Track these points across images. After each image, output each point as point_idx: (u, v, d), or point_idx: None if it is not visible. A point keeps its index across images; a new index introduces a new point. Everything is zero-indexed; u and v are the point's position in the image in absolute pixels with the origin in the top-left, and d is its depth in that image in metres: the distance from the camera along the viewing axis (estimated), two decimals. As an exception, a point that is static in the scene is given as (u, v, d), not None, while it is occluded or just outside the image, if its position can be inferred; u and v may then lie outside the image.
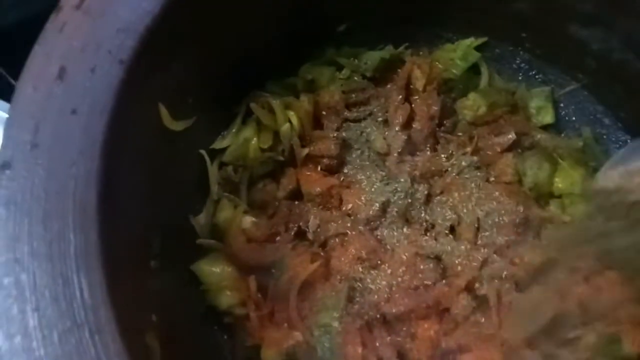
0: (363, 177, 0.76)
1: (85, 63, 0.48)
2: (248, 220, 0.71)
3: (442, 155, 0.77)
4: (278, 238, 0.72)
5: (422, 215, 0.73)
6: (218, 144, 0.74)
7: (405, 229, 0.73)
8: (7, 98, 0.71)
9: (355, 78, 0.80)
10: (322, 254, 0.71)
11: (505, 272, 0.68)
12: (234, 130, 0.75)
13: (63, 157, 0.44)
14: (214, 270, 0.68)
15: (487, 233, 0.71)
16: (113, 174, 0.47)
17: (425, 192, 0.74)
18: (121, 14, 0.51)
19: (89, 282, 0.39)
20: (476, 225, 0.72)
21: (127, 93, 0.50)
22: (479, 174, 0.75)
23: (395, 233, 0.72)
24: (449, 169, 0.76)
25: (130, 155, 0.52)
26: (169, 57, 0.58)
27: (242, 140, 0.74)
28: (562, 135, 0.81)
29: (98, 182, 0.44)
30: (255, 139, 0.74)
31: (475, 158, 0.76)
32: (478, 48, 0.82)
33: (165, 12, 0.53)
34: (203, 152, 0.72)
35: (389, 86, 0.80)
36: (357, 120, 0.79)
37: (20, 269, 0.39)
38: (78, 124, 0.45)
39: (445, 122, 0.79)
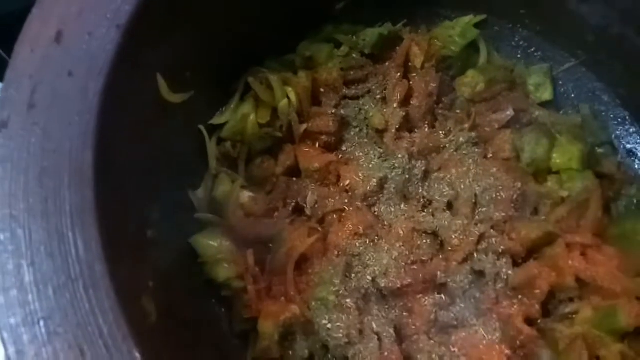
0: (361, 153, 0.76)
1: (83, 26, 0.48)
2: (246, 195, 0.72)
3: (440, 132, 0.78)
4: (276, 213, 0.72)
5: (420, 191, 0.74)
6: (217, 120, 0.74)
7: (402, 205, 0.73)
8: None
9: (354, 55, 0.80)
10: (319, 229, 0.71)
11: (502, 247, 0.68)
12: (232, 106, 0.75)
13: (60, 117, 0.44)
14: (212, 244, 0.68)
15: (484, 209, 0.71)
16: (109, 136, 0.47)
17: (423, 169, 0.74)
18: (119, -20, 0.51)
19: (84, 238, 0.40)
20: (473, 200, 0.72)
21: (124, 58, 0.50)
22: (476, 150, 0.75)
23: (393, 209, 0.73)
24: (447, 145, 0.76)
25: (127, 121, 0.52)
26: (168, 27, 0.58)
27: (240, 116, 0.74)
28: (561, 112, 0.81)
29: (94, 142, 0.44)
30: (253, 114, 0.75)
31: (473, 134, 0.76)
32: (477, 25, 0.82)
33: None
34: (201, 127, 0.73)
35: (387, 64, 0.80)
36: (355, 98, 0.79)
37: (16, 225, 0.39)
38: (75, 86, 0.46)
39: (443, 99, 0.79)
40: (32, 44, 0.47)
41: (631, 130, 0.79)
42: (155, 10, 0.52)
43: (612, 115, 0.80)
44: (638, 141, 0.78)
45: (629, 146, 0.78)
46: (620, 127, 0.79)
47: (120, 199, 0.48)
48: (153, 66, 0.58)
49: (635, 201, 0.74)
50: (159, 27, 0.56)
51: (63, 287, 0.38)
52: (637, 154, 0.78)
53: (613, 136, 0.79)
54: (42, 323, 0.37)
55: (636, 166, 0.77)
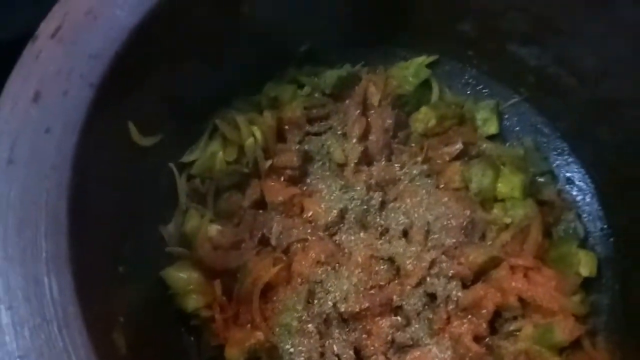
0: (323, 186, 0.81)
1: (59, 86, 0.53)
2: (214, 229, 0.76)
3: (396, 165, 0.83)
4: (243, 245, 0.76)
5: (378, 220, 0.79)
6: (186, 158, 0.79)
7: (361, 234, 0.78)
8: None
9: (316, 95, 0.86)
10: (284, 258, 0.76)
11: (452, 271, 0.74)
12: (201, 145, 0.80)
13: (37, 171, 0.49)
14: (182, 276, 0.72)
15: (436, 235, 0.77)
16: (83, 186, 0.52)
17: (380, 199, 0.79)
18: (92, 42, 0.56)
19: (59, 283, 0.44)
20: (426, 228, 0.77)
21: (97, 113, 0.55)
22: (429, 181, 0.81)
23: (353, 237, 0.77)
24: (402, 177, 0.82)
25: (101, 169, 0.57)
26: (138, 80, 0.63)
27: (209, 154, 0.79)
28: (507, 144, 0.88)
29: (68, 193, 0.49)
30: (221, 152, 0.79)
31: (425, 167, 0.82)
32: (430, 65, 0.89)
33: (134, 39, 0.59)
34: (172, 165, 0.77)
35: (347, 102, 0.86)
36: (318, 134, 0.85)
37: (-4, 273, 0.44)
38: (51, 141, 0.50)
39: (399, 134, 0.85)
40: (12, 103, 0.51)
41: (569, 160, 0.86)
42: (126, 69, 0.57)
43: (552, 147, 0.86)
44: (575, 170, 0.85)
45: (567, 174, 0.85)
46: (560, 157, 0.86)
47: (93, 242, 0.52)
48: (124, 115, 0.62)
49: (573, 225, 0.80)
50: (130, 81, 0.60)
51: (38, 327, 0.42)
52: (574, 182, 0.85)
53: (554, 165, 0.86)
54: (19, 362, 0.41)
55: (574, 193, 0.84)
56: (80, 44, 0.55)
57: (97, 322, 0.46)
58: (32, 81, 0.52)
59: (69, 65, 0.54)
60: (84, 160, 0.52)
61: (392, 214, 0.79)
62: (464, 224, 0.78)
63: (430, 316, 0.73)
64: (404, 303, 0.73)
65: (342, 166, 0.82)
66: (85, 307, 0.45)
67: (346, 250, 0.77)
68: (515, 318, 0.74)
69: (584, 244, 0.80)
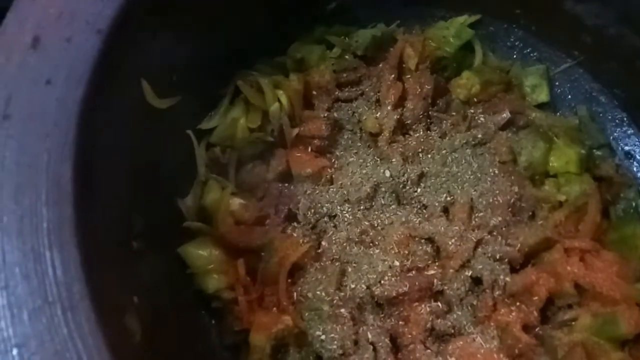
0: (354, 157, 0.75)
1: (61, 32, 0.46)
2: (236, 202, 0.70)
3: (435, 135, 0.76)
4: (267, 221, 0.70)
5: (415, 196, 0.72)
6: (205, 125, 0.73)
7: (397, 211, 0.71)
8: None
9: (347, 57, 0.78)
10: (312, 236, 0.70)
11: (499, 253, 0.67)
12: (221, 110, 0.73)
13: (36, 129, 0.42)
14: (201, 254, 0.66)
15: (481, 214, 0.70)
16: (90, 148, 0.45)
17: (418, 173, 0.72)
18: (99, -18, 0.49)
19: (62, 258, 0.37)
20: (470, 205, 0.71)
21: (106, 65, 0.48)
22: (472, 153, 0.74)
23: (388, 214, 0.71)
24: (442, 148, 0.74)
25: (110, 130, 0.50)
26: (151, 31, 0.56)
27: (230, 121, 0.73)
28: (558, 113, 0.80)
29: (73, 155, 0.42)
30: (243, 119, 0.73)
31: (469, 137, 0.74)
32: (471, 26, 0.81)
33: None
34: (190, 132, 0.71)
35: (380, 65, 0.79)
36: (348, 100, 0.78)
37: (-11, 245, 0.37)
38: (53, 95, 0.44)
39: (438, 101, 0.78)
40: (7, 50, 0.44)
41: (629, 132, 0.78)
42: (137, 14, 0.50)
43: (609, 117, 0.79)
44: (636, 143, 0.77)
45: (627, 148, 0.77)
46: (618, 129, 0.78)
47: (102, 212, 0.46)
48: (137, 71, 0.56)
49: (634, 204, 0.73)
50: (142, 31, 0.53)
51: (39, 311, 0.36)
52: (635, 156, 0.77)
53: (611, 138, 0.78)
54: (15, 351, 0.34)
55: (634, 168, 0.76)
56: (86, -16, 0.47)
57: (108, 304, 0.40)
58: (29, 25, 0.45)
59: (72, 7, 0.47)
60: (91, 119, 0.45)
61: (431, 189, 0.73)
62: (512, 201, 0.71)
63: (475, 302, 0.67)
64: (445, 288, 0.67)
65: (375, 136, 0.76)
66: (93, 287, 0.39)
67: (381, 228, 0.71)
68: (570, 306, 0.67)
69: (646, 225, 0.72)
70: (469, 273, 0.67)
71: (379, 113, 0.76)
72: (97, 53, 0.46)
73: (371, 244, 0.69)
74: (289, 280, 0.67)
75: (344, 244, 0.69)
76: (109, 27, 0.48)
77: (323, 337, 0.63)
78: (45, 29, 0.45)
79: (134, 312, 0.47)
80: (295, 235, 0.69)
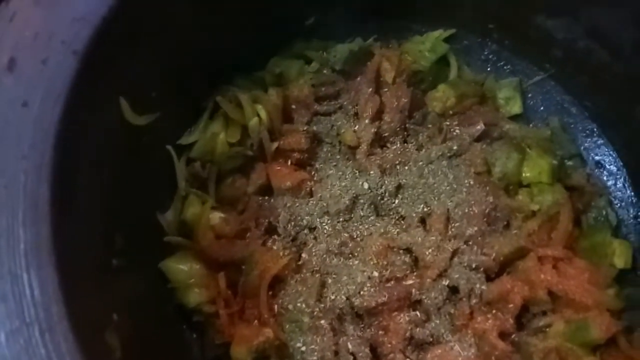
0: (334, 170, 0.76)
1: (37, 53, 0.46)
2: (217, 216, 0.70)
3: (412, 147, 0.77)
4: (248, 234, 0.71)
5: (393, 207, 0.73)
6: (185, 140, 0.73)
7: (376, 222, 0.72)
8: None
9: (325, 71, 0.79)
10: (293, 248, 0.70)
11: (475, 263, 0.69)
12: (201, 125, 0.74)
13: (13, 150, 0.42)
14: (182, 268, 0.67)
15: (457, 224, 0.72)
16: (68, 168, 0.45)
17: (396, 184, 0.73)
18: (76, 3, 0.50)
19: (40, 279, 0.38)
20: (446, 216, 0.72)
21: (83, 85, 0.48)
22: (448, 164, 0.75)
23: (366, 226, 0.72)
24: (419, 160, 0.76)
25: (88, 149, 0.50)
26: (129, 49, 0.56)
27: (209, 135, 0.73)
28: (531, 125, 0.82)
29: (51, 176, 0.43)
30: (223, 133, 0.73)
31: (445, 149, 0.76)
32: (447, 40, 0.83)
33: (124, 2, 0.52)
34: (169, 147, 0.71)
35: (358, 79, 0.80)
36: (327, 114, 0.78)
37: (-35, 267, 0.37)
38: (29, 116, 0.44)
39: (415, 114, 0.79)
40: (-17, 72, 0.44)
41: (599, 142, 0.80)
42: (114, 34, 0.51)
43: (580, 128, 0.81)
44: (606, 153, 0.79)
45: (597, 158, 0.80)
46: (589, 139, 0.80)
47: (80, 231, 0.46)
48: (114, 90, 0.56)
49: (604, 213, 0.75)
50: (120, 49, 0.54)
51: (17, 332, 0.36)
52: (605, 166, 0.79)
53: (582, 148, 0.80)
54: (-8, 373, 0.35)
55: (605, 178, 0.78)
56: (62, 6, 0.48)
57: (87, 323, 0.40)
58: (5, 47, 0.46)
59: (48, 29, 0.47)
60: (69, 139, 0.46)
61: (409, 201, 0.74)
62: (487, 211, 0.72)
63: (452, 311, 0.68)
64: (423, 297, 0.68)
65: (353, 149, 0.77)
66: (71, 306, 0.39)
67: (360, 239, 0.72)
68: (544, 313, 0.68)
69: (616, 232, 0.74)
70: (446, 282, 0.68)
71: (357, 126, 0.77)
72: (74, 73, 0.47)
73: (350, 255, 0.70)
74: (270, 293, 0.67)
75: (324, 256, 0.69)
76: (86, 48, 0.48)
77: (303, 348, 0.64)
78: (21, 50, 0.46)
79: (113, 329, 0.48)
80: (275, 248, 0.70)
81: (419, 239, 0.70)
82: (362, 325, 0.67)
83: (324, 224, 0.72)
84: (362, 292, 0.67)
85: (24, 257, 0.39)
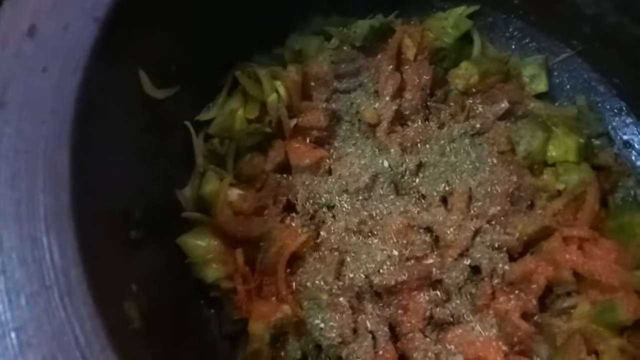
0: (353, 148, 0.74)
1: (57, 20, 0.46)
2: (235, 193, 0.70)
3: (434, 125, 0.76)
4: (266, 211, 0.70)
5: (413, 185, 0.72)
6: (203, 116, 0.72)
7: (396, 200, 0.71)
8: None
9: (345, 48, 0.78)
10: (311, 226, 0.70)
11: (498, 242, 0.67)
12: (219, 102, 0.73)
13: (33, 115, 0.42)
14: (200, 244, 0.66)
15: (479, 203, 0.70)
16: (87, 135, 0.45)
17: (417, 163, 0.72)
18: (96, -30, 0.49)
19: (60, 243, 0.38)
20: (468, 195, 0.70)
21: (103, 53, 0.48)
22: (471, 143, 0.74)
23: (386, 204, 0.71)
24: (441, 138, 0.74)
25: (107, 118, 0.50)
26: (150, 19, 0.56)
27: (228, 112, 0.72)
28: (556, 103, 0.80)
29: (70, 142, 0.42)
30: (241, 110, 0.73)
31: (467, 127, 0.74)
32: (470, 16, 0.80)
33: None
34: (188, 123, 0.70)
35: (379, 56, 0.78)
36: (347, 91, 0.77)
37: (-14, 230, 0.37)
38: (49, 82, 0.44)
39: (436, 91, 0.78)
40: (4, 38, 0.44)
41: (627, 121, 0.77)
42: (136, 4, 0.50)
43: (608, 106, 0.78)
44: (634, 132, 0.77)
45: (625, 137, 0.77)
46: (617, 118, 0.78)
47: (99, 200, 0.46)
48: (135, 61, 0.56)
49: (632, 193, 0.73)
50: (140, 19, 0.53)
51: (36, 295, 0.36)
52: (633, 145, 0.76)
53: (609, 127, 0.77)
54: (13, 334, 0.35)
55: (633, 157, 0.76)
56: (82, -28, 0.47)
57: (106, 289, 0.40)
58: (25, 13, 0.45)
59: (69, -5, 0.46)
60: (88, 107, 0.45)
61: (430, 179, 0.72)
62: (511, 190, 0.71)
63: (473, 291, 0.67)
64: (444, 276, 0.66)
65: (373, 127, 0.75)
66: (91, 272, 0.39)
67: (379, 218, 0.70)
68: (569, 294, 0.67)
69: (644, 213, 0.72)
70: (467, 262, 0.67)
71: (377, 104, 0.75)
72: (94, 41, 0.46)
73: (370, 234, 0.69)
74: (288, 270, 0.67)
75: (343, 234, 0.68)
76: (106, 15, 0.48)
77: (322, 325, 0.63)
78: (41, 17, 0.45)
79: (132, 299, 0.47)
80: (293, 225, 0.69)
81: (440, 217, 0.69)
82: (381, 304, 0.66)
83: (342, 202, 0.71)
84: (381, 271, 0.66)
85: (43, 221, 0.38)
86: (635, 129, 0.77)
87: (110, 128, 0.51)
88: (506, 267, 0.66)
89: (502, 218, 0.69)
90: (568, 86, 0.80)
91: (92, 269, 0.39)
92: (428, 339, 0.65)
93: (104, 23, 0.47)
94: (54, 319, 0.36)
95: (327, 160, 0.73)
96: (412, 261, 0.67)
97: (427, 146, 0.74)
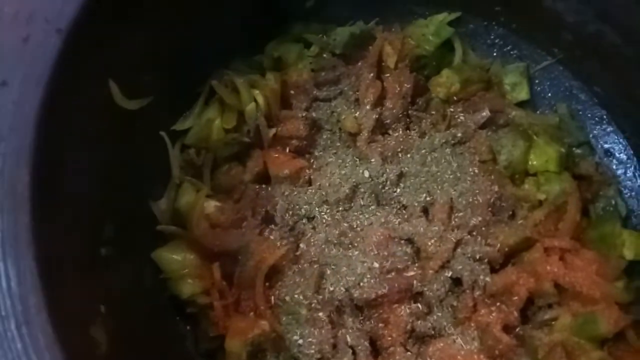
0: (333, 158, 0.73)
1: (17, 32, 0.44)
2: (212, 205, 0.68)
3: (415, 134, 0.75)
4: (244, 223, 0.69)
5: (394, 196, 0.71)
6: (179, 125, 0.71)
7: (376, 211, 0.70)
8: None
9: (325, 55, 0.77)
10: (290, 238, 0.68)
11: (479, 254, 0.67)
12: (196, 111, 0.72)
13: (-10, 133, 0.40)
14: (176, 258, 0.65)
15: (460, 213, 0.69)
16: (51, 152, 0.43)
17: (398, 173, 0.71)
18: (60, -21, 0.47)
19: (18, 269, 0.36)
20: (449, 205, 0.70)
21: (67, 66, 0.46)
22: (452, 152, 0.73)
23: (367, 215, 0.70)
24: (422, 148, 0.73)
25: (73, 132, 0.48)
26: (118, 29, 0.54)
27: (205, 121, 0.71)
28: (538, 112, 0.79)
29: (31, 160, 0.40)
30: (218, 119, 0.71)
31: (448, 136, 0.73)
32: (451, 23, 0.80)
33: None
34: (163, 133, 0.69)
35: (359, 64, 0.77)
36: (327, 100, 0.76)
37: (-62, 256, 0.35)
38: (8, 97, 0.42)
39: (418, 100, 0.77)
40: (-40, 50, 0.42)
41: (608, 129, 0.77)
42: (101, 12, 0.48)
43: (589, 114, 0.78)
44: (615, 141, 0.77)
45: (606, 146, 0.77)
46: (598, 127, 0.77)
47: (64, 219, 0.44)
48: (103, 71, 0.54)
49: (613, 202, 0.72)
50: (109, 28, 0.51)
51: (-9, 325, 0.34)
52: (614, 154, 0.76)
53: (590, 136, 0.77)
54: (-36, 369, 0.33)
55: (614, 166, 0.76)
56: (45, -19, 0.45)
57: (69, 316, 0.38)
58: (-16, 24, 0.43)
59: (30, 6, 0.45)
60: (52, 122, 0.44)
61: (411, 189, 0.72)
62: (492, 200, 0.70)
63: (455, 303, 0.66)
64: (425, 289, 0.66)
65: (354, 136, 0.74)
66: (52, 298, 0.37)
67: (360, 229, 0.69)
68: (550, 306, 0.66)
69: (626, 223, 0.72)
70: (448, 274, 0.66)
71: (358, 112, 0.74)
72: (57, 53, 0.45)
73: (350, 246, 0.68)
74: (266, 284, 0.65)
75: (323, 246, 0.67)
76: (70, 26, 0.46)
77: (301, 341, 0.62)
78: (0, 28, 0.43)
79: (100, 322, 0.46)
80: (272, 237, 0.68)
81: (421, 229, 0.68)
82: (362, 318, 0.66)
83: (323, 214, 0.70)
84: (361, 284, 0.65)
85: (0, 246, 0.36)
86: (615, 137, 0.77)
87: (77, 142, 0.49)
88: (487, 278, 0.66)
89: (483, 229, 0.69)
90: (549, 94, 0.80)
91: (54, 295, 0.37)
92: (409, 353, 0.65)
93: (68, 34, 0.45)
94: (10, 350, 0.34)
95: (307, 171, 0.72)
96: (393, 273, 0.66)
97: (408, 156, 0.73)
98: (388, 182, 0.71)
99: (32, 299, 0.35)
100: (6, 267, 0.36)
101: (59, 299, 0.38)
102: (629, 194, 0.74)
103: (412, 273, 0.66)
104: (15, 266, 0.36)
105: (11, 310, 0.35)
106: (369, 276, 0.65)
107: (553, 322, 0.65)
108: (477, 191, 0.70)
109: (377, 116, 0.73)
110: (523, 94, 0.79)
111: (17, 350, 0.34)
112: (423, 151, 0.73)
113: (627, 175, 0.75)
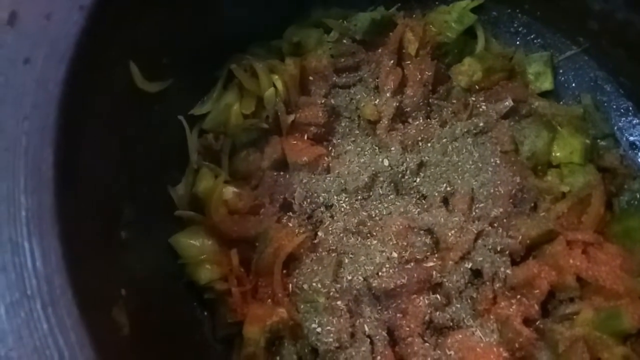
0: (352, 146, 0.72)
1: (41, 7, 0.43)
2: (230, 191, 0.67)
3: (435, 123, 0.74)
4: (262, 210, 0.68)
5: (414, 185, 0.70)
6: (198, 110, 0.70)
7: (396, 201, 0.69)
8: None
9: (345, 41, 0.76)
10: (308, 226, 0.68)
11: (500, 245, 0.65)
12: (214, 96, 0.71)
13: (14, 110, 0.39)
14: (193, 244, 0.64)
15: (481, 204, 0.68)
16: (73, 131, 0.42)
17: (418, 162, 0.70)
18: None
19: (42, 249, 0.35)
20: (470, 196, 0.68)
21: (90, 44, 0.45)
22: (473, 142, 0.72)
23: (386, 204, 0.69)
24: (442, 137, 0.72)
25: (95, 114, 0.47)
26: (140, 8, 0.53)
27: (223, 106, 0.70)
28: (561, 102, 0.77)
29: (55, 139, 0.40)
30: (237, 104, 0.71)
31: (470, 126, 0.72)
32: (474, 10, 0.78)
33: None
34: (181, 118, 0.68)
35: (380, 50, 0.76)
36: (346, 86, 0.75)
37: (-38, 234, 0.35)
38: (31, 74, 0.41)
39: (439, 88, 0.76)
40: (-17, 26, 0.41)
41: (634, 121, 0.75)
42: (125, -10, 0.47)
43: (614, 106, 0.76)
44: (641, 133, 0.75)
45: (632, 138, 0.75)
46: (623, 119, 0.76)
47: (86, 200, 0.43)
48: (124, 52, 0.53)
49: (638, 196, 0.71)
50: (130, 7, 0.50)
51: (17, 304, 0.34)
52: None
53: (616, 127, 0.76)
54: (-10, 348, 0.32)
55: (639, 159, 0.74)
56: (69, -44, 0.44)
57: (92, 297, 0.38)
58: (5, 0, 0.42)
59: (53, -18, 0.43)
60: (74, 101, 0.43)
61: (431, 179, 0.71)
62: (514, 192, 0.69)
63: (474, 295, 0.65)
64: (444, 280, 0.65)
65: (373, 124, 0.73)
66: (76, 279, 0.36)
67: (379, 218, 0.69)
68: (571, 300, 0.65)
69: (650, 217, 0.70)
70: (468, 265, 0.65)
71: (377, 100, 0.73)
72: (80, 31, 0.44)
73: (369, 235, 0.67)
74: (284, 271, 0.65)
75: (341, 235, 0.67)
76: (93, 3, 0.45)
77: (319, 329, 0.61)
78: (22, 4, 0.42)
79: (121, 305, 0.45)
80: (290, 225, 0.67)
81: (441, 219, 0.67)
82: (380, 308, 0.65)
83: (341, 202, 0.69)
84: (380, 273, 0.64)
85: (25, 225, 0.36)
86: (641, 130, 0.75)
87: (98, 123, 0.48)
88: (508, 271, 0.65)
89: (504, 220, 0.68)
90: (573, 84, 0.78)
91: (78, 276, 0.37)
92: (427, 344, 0.64)
93: (90, 11, 0.44)
94: (36, 330, 0.33)
95: (326, 158, 0.71)
96: (412, 264, 0.65)
97: (429, 145, 0.72)
98: (408, 172, 0.70)
99: (57, 278, 0.35)
100: (31, 246, 0.35)
101: (82, 280, 0.37)
102: (654, 187, 0.73)
103: (431, 264, 0.65)
104: (40, 246, 0.36)
105: (37, 290, 0.34)
106: (387, 266, 0.64)
107: (574, 316, 0.64)
108: (499, 182, 0.69)
109: (397, 104, 0.72)
110: (547, 84, 0.77)
111: (43, 329, 0.33)
112: (444, 140, 0.72)
113: (653, 168, 0.74)
